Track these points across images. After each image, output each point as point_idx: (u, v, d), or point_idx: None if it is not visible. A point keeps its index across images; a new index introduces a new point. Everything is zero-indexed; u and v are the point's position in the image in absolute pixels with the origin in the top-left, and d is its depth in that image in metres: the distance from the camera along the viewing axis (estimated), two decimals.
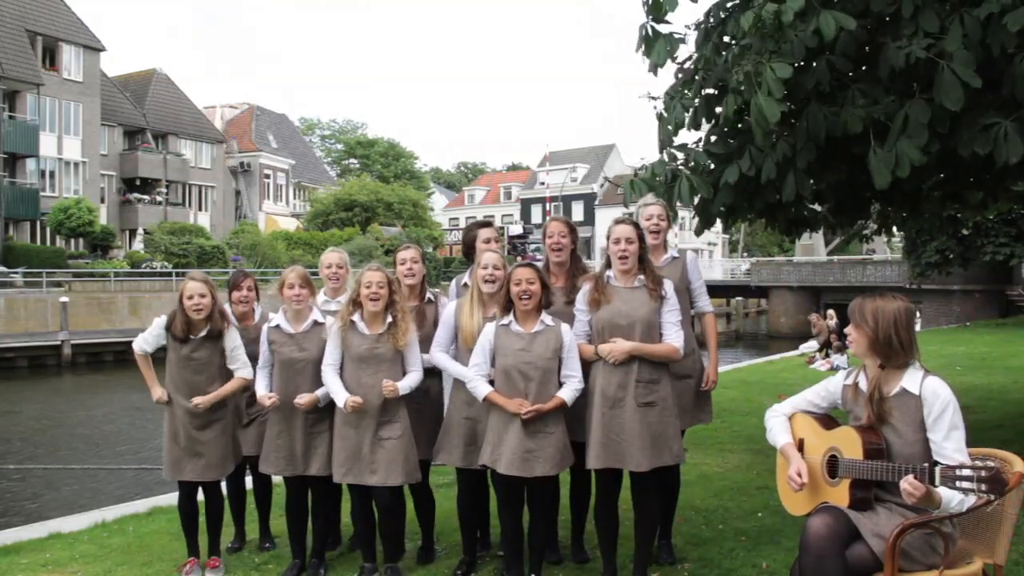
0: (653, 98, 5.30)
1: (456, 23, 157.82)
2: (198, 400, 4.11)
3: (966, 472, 2.48)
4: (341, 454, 3.95)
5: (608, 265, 3.83)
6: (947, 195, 6.35)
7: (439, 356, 4.05)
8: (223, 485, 4.46)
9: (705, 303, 4.34)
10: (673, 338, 3.75)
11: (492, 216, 65.07)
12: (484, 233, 4.40)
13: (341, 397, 3.87)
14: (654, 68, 4.84)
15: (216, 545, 4.36)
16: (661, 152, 5.21)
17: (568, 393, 3.70)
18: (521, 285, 3.70)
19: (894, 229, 8.29)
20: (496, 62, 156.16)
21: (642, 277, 3.77)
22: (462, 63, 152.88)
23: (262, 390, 4.15)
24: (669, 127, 5.04)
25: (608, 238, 3.81)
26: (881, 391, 2.82)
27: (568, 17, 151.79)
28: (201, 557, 4.34)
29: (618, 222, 3.81)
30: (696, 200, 5.15)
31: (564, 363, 3.73)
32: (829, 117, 4.19)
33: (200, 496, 4.35)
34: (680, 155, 5.18)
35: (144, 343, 4.25)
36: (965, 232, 22.01)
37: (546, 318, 3.76)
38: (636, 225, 3.82)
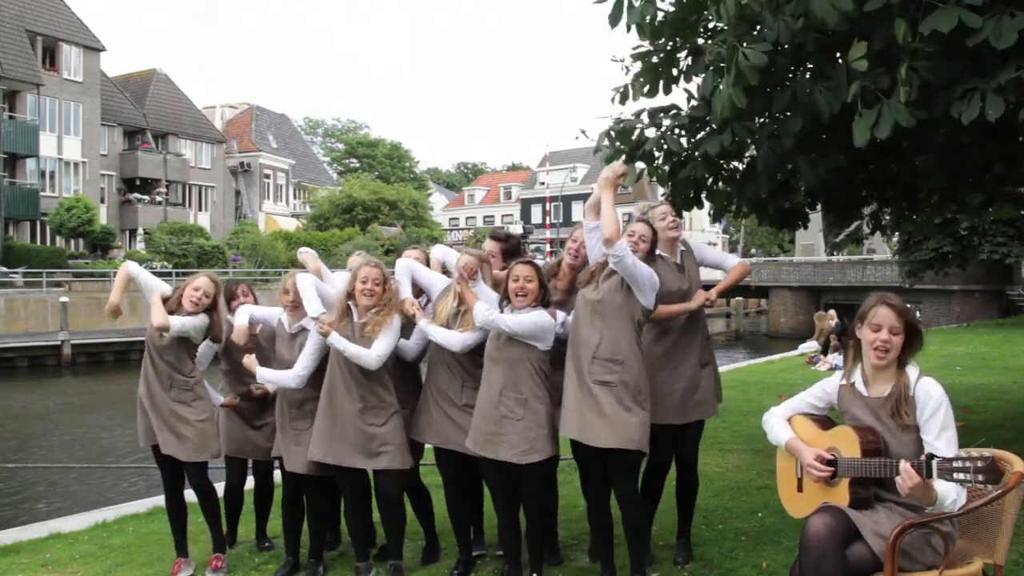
0: (619, 60, 5.09)
1: (455, 22, 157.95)
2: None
3: (962, 464, 2.50)
4: (322, 432, 3.94)
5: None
6: (945, 196, 6.32)
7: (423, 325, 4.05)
8: (220, 487, 4.46)
9: (733, 259, 4.41)
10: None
11: (492, 216, 65.10)
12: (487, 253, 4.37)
13: (315, 310, 3.89)
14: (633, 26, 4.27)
15: (220, 543, 4.36)
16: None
17: (481, 306, 3.72)
18: (519, 282, 3.71)
19: (889, 230, 8.26)
20: (496, 62, 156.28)
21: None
22: (462, 63, 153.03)
23: (317, 310, 3.97)
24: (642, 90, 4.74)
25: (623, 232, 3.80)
26: (908, 395, 2.80)
27: (568, 16, 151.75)
28: (202, 556, 4.34)
29: (638, 220, 3.85)
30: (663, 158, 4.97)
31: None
32: (822, 92, 3.96)
33: (193, 498, 4.36)
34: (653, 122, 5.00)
35: (141, 272, 4.35)
36: (963, 232, 21.98)
37: (538, 308, 3.76)
38: (654, 229, 3.83)
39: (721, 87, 3.83)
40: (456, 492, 4.16)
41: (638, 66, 4.69)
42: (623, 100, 4.76)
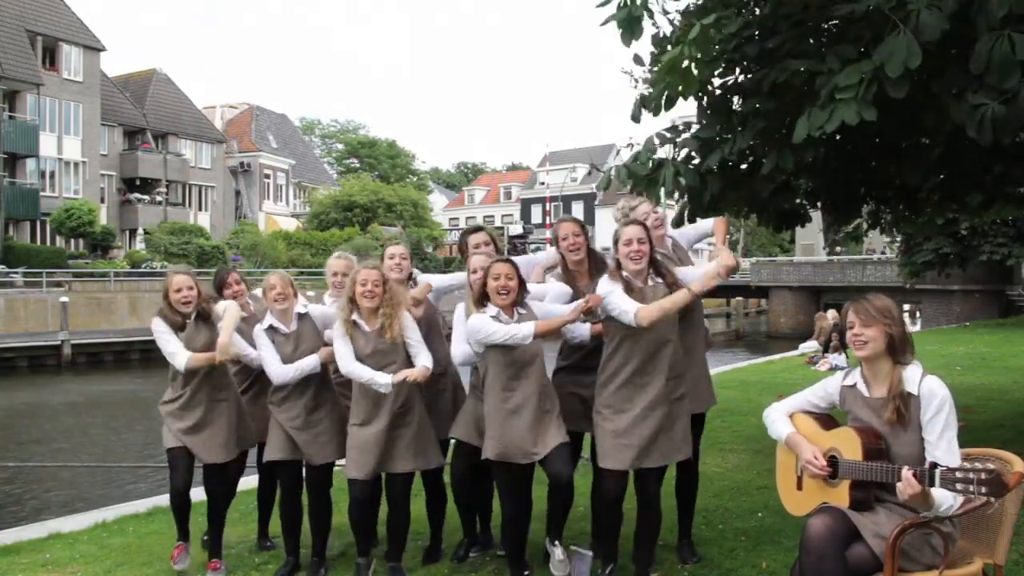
0: (630, 73, 5.10)
1: (455, 22, 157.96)
2: (199, 357, 4.15)
3: (967, 475, 2.48)
4: (354, 451, 3.97)
5: (618, 266, 3.74)
6: (946, 197, 6.31)
7: (460, 353, 4.06)
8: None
9: (708, 222, 4.61)
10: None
11: (492, 216, 65.08)
12: (474, 239, 4.47)
13: (384, 380, 3.87)
14: (627, 38, 4.19)
15: (218, 547, 4.35)
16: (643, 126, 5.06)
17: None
18: (500, 280, 3.69)
19: (888, 230, 8.25)
20: (496, 62, 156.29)
21: (659, 280, 3.73)
22: (462, 63, 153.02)
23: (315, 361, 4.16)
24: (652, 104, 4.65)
25: (617, 241, 3.74)
26: (907, 392, 2.80)
27: (568, 16, 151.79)
28: (199, 558, 4.33)
29: (627, 223, 3.78)
30: (679, 193, 4.99)
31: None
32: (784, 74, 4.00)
33: (199, 496, 4.35)
34: (665, 143, 4.99)
35: (179, 354, 4.18)
36: (963, 232, 21.99)
37: (520, 308, 3.77)
38: (645, 227, 3.78)
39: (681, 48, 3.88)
40: (469, 480, 4.18)
41: (646, 88, 4.73)
42: (643, 110, 4.75)
